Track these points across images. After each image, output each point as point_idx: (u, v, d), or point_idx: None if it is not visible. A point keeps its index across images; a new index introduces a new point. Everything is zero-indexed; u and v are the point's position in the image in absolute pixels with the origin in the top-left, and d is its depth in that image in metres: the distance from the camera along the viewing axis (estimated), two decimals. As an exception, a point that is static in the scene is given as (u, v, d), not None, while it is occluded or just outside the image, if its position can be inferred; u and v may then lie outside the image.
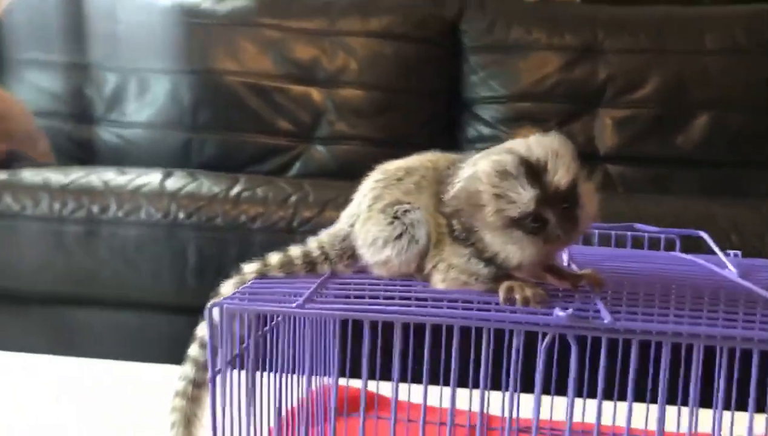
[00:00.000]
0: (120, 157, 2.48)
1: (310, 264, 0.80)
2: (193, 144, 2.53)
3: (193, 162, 2.49)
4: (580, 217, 0.71)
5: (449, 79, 2.62)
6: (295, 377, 0.79)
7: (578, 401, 0.98)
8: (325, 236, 0.83)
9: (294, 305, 0.60)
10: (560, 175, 0.68)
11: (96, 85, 2.59)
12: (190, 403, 0.79)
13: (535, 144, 0.70)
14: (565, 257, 0.84)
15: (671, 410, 0.78)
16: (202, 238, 1.83)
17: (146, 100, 2.56)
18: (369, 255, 0.78)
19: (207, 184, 1.92)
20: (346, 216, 0.83)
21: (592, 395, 0.98)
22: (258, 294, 0.66)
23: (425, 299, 0.68)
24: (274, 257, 0.81)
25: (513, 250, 0.71)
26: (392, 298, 0.67)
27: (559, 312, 0.59)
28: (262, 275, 0.79)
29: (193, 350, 0.80)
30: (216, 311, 0.61)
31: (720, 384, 0.63)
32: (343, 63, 2.57)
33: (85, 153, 2.53)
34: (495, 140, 2.50)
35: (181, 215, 1.84)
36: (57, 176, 1.93)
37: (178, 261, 1.83)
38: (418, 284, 0.76)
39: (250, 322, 0.65)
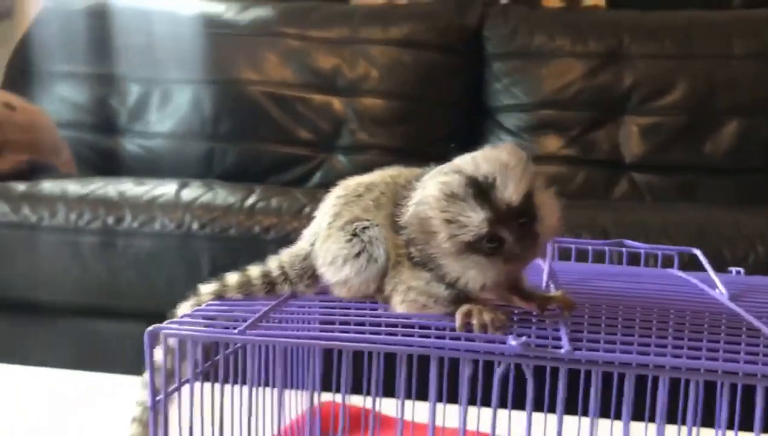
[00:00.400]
0: (143, 168, 2.50)
1: (270, 284, 0.78)
2: (214, 154, 2.53)
3: (215, 172, 2.49)
4: (539, 231, 0.67)
5: (472, 87, 2.59)
6: (268, 398, 0.76)
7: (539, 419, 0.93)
8: (285, 255, 0.80)
9: (236, 330, 0.58)
10: (511, 191, 0.64)
11: (120, 95, 2.61)
12: (146, 429, 0.76)
13: (482, 159, 0.66)
14: (544, 276, 0.80)
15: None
16: (215, 249, 1.82)
17: (169, 111, 2.57)
18: (329, 275, 0.75)
19: (222, 195, 1.91)
20: (307, 234, 0.81)
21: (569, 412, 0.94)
22: (210, 317, 0.64)
23: (379, 324, 0.64)
24: (233, 278, 0.79)
25: (473, 274, 0.67)
26: (348, 323, 0.64)
27: (512, 341, 0.55)
28: (219, 296, 0.77)
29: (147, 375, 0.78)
30: (162, 335, 0.59)
31: (689, 415, 0.60)
32: (364, 72, 2.56)
33: (108, 163, 2.55)
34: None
35: (195, 226, 1.83)
36: (75, 187, 1.95)
37: (192, 272, 1.82)
38: (378, 306, 0.73)
39: (204, 346, 0.62)
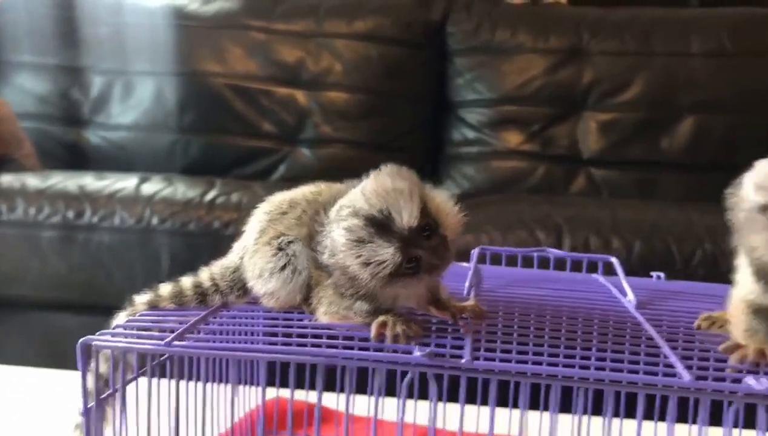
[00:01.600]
0: (106, 160, 2.50)
1: (201, 295, 0.81)
2: (178, 146, 2.54)
3: (178, 164, 2.50)
4: (444, 234, 0.71)
5: (435, 81, 2.61)
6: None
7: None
8: (217, 267, 0.84)
9: (163, 342, 0.60)
10: (407, 217, 0.68)
11: (83, 87, 2.60)
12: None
13: (371, 194, 0.69)
14: (467, 284, 0.84)
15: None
16: (175, 244, 1.84)
17: (132, 103, 2.57)
18: (258, 287, 0.79)
19: (182, 189, 1.92)
20: (237, 248, 0.84)
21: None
22: (143, 327, 0.67)
23: (305, 336, 0.68)
24: (166, 288, 0.82)
25: (404, 294, 0.72)
26: (275, 334, 0.67)
27: (416, 352, 0.59)
28: (153, 306, 0.80)
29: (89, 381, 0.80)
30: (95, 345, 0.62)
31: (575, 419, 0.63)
32: (329, 65, 2.57)
33: (71, 156, 2.55)
34: (481, 144, 2.50)
35: (155, 221, 1.85)
36: (34, 181, 1.95)
37: (152, 267, 1.84)
38: (304, 316, 0.76)
39: (138, 353, 0.65)
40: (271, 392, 0.99)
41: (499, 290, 0.82)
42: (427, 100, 2.60)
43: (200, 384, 0.81)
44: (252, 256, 0.79)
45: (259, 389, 0.93)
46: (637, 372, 0.58)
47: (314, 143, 2.55)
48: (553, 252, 1.02)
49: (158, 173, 2.12)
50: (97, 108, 2.58)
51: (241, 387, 0.97)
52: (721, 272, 1.72)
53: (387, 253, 0.68)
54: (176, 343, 0.60)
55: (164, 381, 0.74)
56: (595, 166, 2.43)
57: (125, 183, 1.95)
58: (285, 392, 0.95)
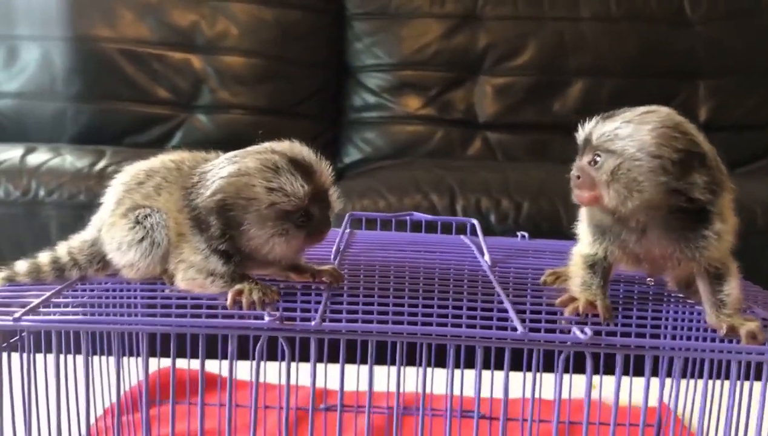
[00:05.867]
0: (-10, 129, 2.38)
1: (59, 270, 0.81)
2: (67, 114, 2.44)
3: (68, 133, 2.40)
4: (329, 216, 0.75)
5: (334, 46, 2.60)
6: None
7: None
8: (75, 241, 0.84)
9: (11, 319, 0.60)
10: (326, 176, 0.72)
11: (-39, 52, 2.46)
12: None
13: (294, 147, 0.74)
14: (333, 249, 0.87)
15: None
16: (65, 216, 1.79)
17: (15, 69, 2.44)
18: (117, 259, 0.79)
19: (70, 160, 1.87)
20: (95, 221, 0.84)
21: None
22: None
23: (156, 306, 0.69)
24: (22, 265, 0.82)
25: (279, 242, 0.73)
26: (135, 305, 0.68)
27: (266, 317, 0.61)
28: (10, 282, 0.79)
29: None
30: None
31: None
32: (224, 29, 2.52)
33: (-48, 125, 2.42)
34: (381, 109, 2.51)
35: (42, 193, 1.79)
36: None
37: (40, 240, 1.74)
38: (162, 287, 0.77)
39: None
40: (153, 362, 0.99)
41: (364, 254, 0.85)
42: (326, 65, 2.59)
43: (80, 358, 0.81)
44: (109, 229, 0.80)
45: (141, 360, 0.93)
46: (474, 327, 0.62)
47: (211, 109, 2.50)
48: (421, 216, 1.06)
49: (45, 143, 2.04)
50: (-22, 75, 2.45)
51: (125, 359, 0.96)
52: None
53: (299, 190, 0.70)
54: (26, 318, 0.60)
55: (41, 357, 0.73)
56: (490, 130, 2.48)
57: (9, 154, 1.88)
58: (167, 362, 0.96)
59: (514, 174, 1.98)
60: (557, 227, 1.78)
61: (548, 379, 0.85)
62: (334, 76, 2.60)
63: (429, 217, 1.08)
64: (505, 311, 0.68)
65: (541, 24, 2.50)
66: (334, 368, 0.93)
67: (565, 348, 0.66)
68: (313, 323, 0.61)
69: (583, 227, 0.86)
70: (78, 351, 0.81)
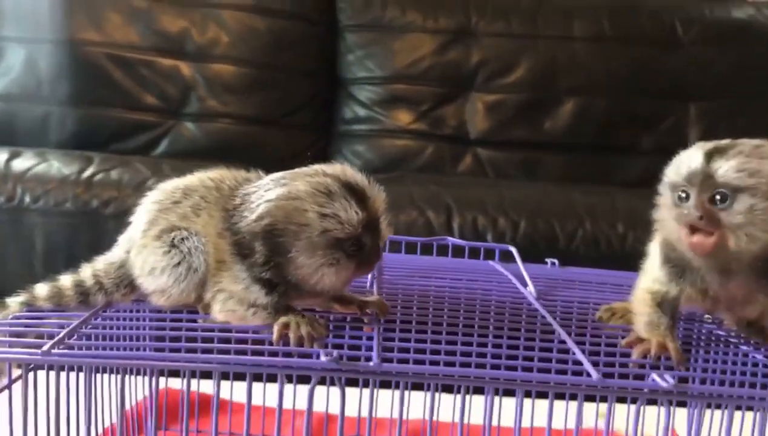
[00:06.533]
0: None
1: (83, 295, 0.76)
2: (52, 119, 2.38)
3: (53, 139, 2.35)
4: (380, 245, 0.71)
5: (326, 57, 2.57)
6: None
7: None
8: (100, 263, 0.78)
9: (40, 352, 0.56)
10: (380, 202, 0.68)
11: (-56, 52, 2.40)
12: None
13: (347, 170, 0.70)
14: (369, 275, 0.83)
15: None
16: (50, 224, 1.74)
17: (0, 71, 2.39)
18: (147, 284, 0.74)
19: (57, 166, 1.82)
20: (123, 241, 0.79)
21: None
22: (17, 333, 0.62)
23: (194, 339, 0.65)
24: (43, 289, 0.76)
25: (328, 272, 0.69)
26: (162, 339, 0.64)
27: (322, 356, 0.57)
28: (29, 307, 0.74)
29: None
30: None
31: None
32: (215, 36, 2.48)
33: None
34: (371, 122, 2.49)
35: (28, 199, 1.74)
36: None
37: (25, 248, 1.73)
38: (196, 316, 0.73)
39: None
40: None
41: (402, 281, 0.82)
42: (318, 75, 2.56)
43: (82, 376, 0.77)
44: (140, 251, 0.74)
45: (146, 378, 0.89)
46: (549, 371, 0.59)
47: (199, 117, 2.46)
48: (455, 241, 1.03)
49: (31, 148, 1.99)
50: (-39, 76, 2.39)
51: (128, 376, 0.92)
52: (600, 250, 1.81)
53: (353, 217, 0.66)
54: (55, 351, 0.56)
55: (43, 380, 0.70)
56: (481, 147, 2.47)
57: (-7, 158, 1.82)
58: (173, 380, 0.92)
59: (509, 192, 1.96)
60: (554, 245, 1.77)
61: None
62: (325, 88, 2.58)
63: (463, 242, 1.05)
64: (567, 351, 0.64)
65: (534, 42, 2.50)
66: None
67: (641, 395, 0.62)
68: (372, 363, 0.57)
69: (654, 263, 0.80)
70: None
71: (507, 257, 1.05)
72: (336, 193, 0.67)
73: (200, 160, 2.18)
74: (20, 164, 1.81)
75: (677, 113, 2.48)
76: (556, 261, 1.11)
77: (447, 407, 0.98)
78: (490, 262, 1.04)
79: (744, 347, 0.81)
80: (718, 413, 0.97)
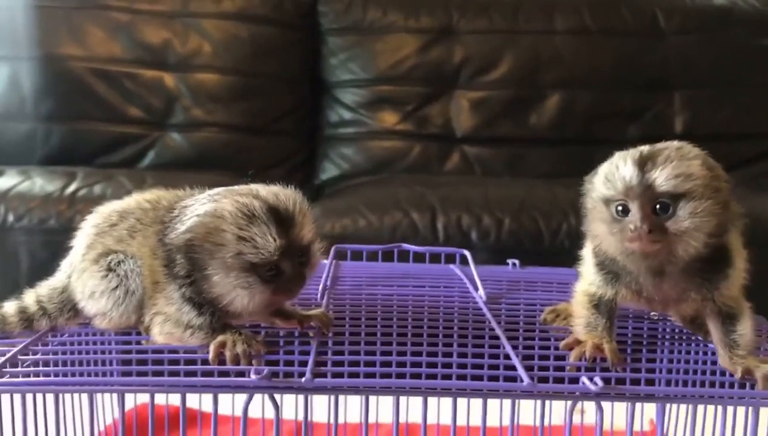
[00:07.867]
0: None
1: (27, 321, 0.76)
2: (36, 136, 2.38)
3: (38, 155, 2.35)
4: (306, 274, 0.71)
5: (310, 62, 2.57)
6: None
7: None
8: (44, 288, 0.79)
9: None
10: (306, 232, 0.68)
11: (-74, 73, 2.40)
12: None
13: (280, 194, 0.69)
14: (320, 287, 0.84)
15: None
16: (34, 242, 1.74)
17: (-18, 89, 2.39)
18: (88, 308, 0.75)
19: (40, 183, 1.82)
20: (65, 265, 0.79)
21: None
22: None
23: (132, 362, 0.65)
24: None
25: (241, 295, 0.69)
26: (107, 362, 0.64)
27: (252, 374, 0.58)
28: None
29: None
30: None
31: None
32: (197, 46, 2.48)
33: None
34: (357, 124, 2.49)
35: (11, 218, 1.74)
36: None
37: (9, 267, 1.74)
38: (138, 338, 0.73)
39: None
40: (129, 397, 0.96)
41: (352, 291, 0.82)
42: (302, 81, 2.56)
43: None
44: (80, 275, 0.75)
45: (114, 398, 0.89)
46: (481, 378, 0.60)
47: (184, 127, 2.46)
48: (409, 247, 1.03)
49: (14, 166, 1.99)
50: (-56, 96, 2.39)
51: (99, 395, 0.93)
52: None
53: (270, 244, 0.66)
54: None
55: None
56: (467, 144, 2.47)
57: (-24, 178, 1.83)
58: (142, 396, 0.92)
59: (494, 190, 1.96)
60: (539, 242, 1.77)
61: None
62: (309, 93, 2.58)
63: (418, 248, 1.05)
64: (508, 357, 0.65)
65: (517, 38, 2.50)
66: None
67: (574, 398, 0.63)
68: (303, 379, 0.58)
69: (588, 266, 0.81)
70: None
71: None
72: (258, 218, 0.67)
73: (186, 170, 2.20)
74: (3, 183, 1.82)
75: (662, 103, 2.47)
76: (517, 262, 1.12)
77: (386, 407, 0.99)
78: (451, 266, 1.04)
79: (685, 345, 0.83)
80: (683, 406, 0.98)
